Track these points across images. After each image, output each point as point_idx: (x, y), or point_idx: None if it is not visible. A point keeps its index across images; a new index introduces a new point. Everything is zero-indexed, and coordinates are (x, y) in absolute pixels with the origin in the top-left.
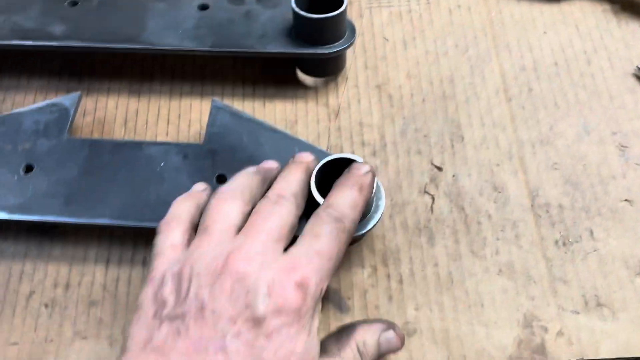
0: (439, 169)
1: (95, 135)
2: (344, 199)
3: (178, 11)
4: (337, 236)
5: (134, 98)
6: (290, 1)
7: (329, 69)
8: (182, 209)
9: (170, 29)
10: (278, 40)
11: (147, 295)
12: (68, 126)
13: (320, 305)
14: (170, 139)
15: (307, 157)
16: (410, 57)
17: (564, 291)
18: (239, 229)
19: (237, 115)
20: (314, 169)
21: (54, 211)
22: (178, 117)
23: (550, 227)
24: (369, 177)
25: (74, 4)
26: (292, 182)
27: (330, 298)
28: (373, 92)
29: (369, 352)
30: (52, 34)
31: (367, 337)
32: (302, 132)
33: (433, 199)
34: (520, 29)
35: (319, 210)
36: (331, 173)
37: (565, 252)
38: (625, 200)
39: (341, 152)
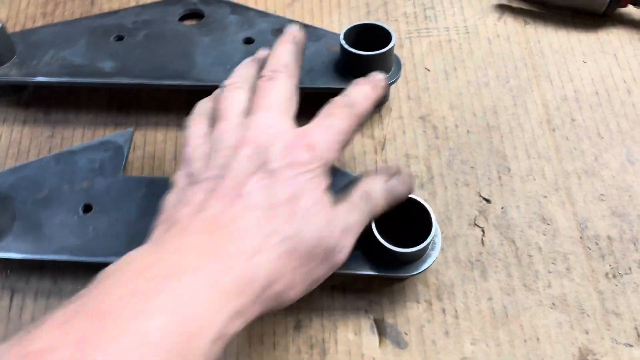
0: (488, 201)
1: (146, 170)
2: (359, 91)
3: (224, 45)
4: (348, 116)
5: (182, 131)
6: (334, 35)
7: None
8: (203, 108)
9: (219, 65)
10: (326, 74)
11: (179, 174)
12: (123, 164)
13: (329, 176)
14: None
15: (293, 29)
16: (452, 87)
17: (617, 324)
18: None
19: None
20: (303, 43)
21: (116, 252)
22: None
23: (600, 260)
24: (383, 81)
25: (120, 38)
26: (281, 55)
27: (387, 334)
28: (417, 123)
29: (374, 197)
30: (102, 70)
31: (373, 185)
32: (349, 165)
33: (483, 231)
34: (559, 59)
35: (336, 97)
36: (394, 213)
37: (616, 285)
38: None
39: None
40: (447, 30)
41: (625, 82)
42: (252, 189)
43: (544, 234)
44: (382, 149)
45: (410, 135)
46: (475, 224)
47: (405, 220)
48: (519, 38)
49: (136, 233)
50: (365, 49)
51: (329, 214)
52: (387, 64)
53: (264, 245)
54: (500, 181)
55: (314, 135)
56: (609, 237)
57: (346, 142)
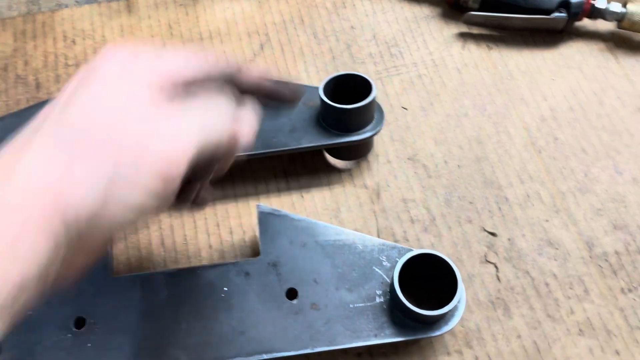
0: (493, 234)
1: (133, 261)
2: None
3: None
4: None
5: (165, 214)
6: (311, 89)
7: (361, 150)
8: None
9: None
10: (309, 132)
11: None
12: (110, 263)
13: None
14: (215, 252)
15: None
16: (432, 123)
17: None
18: None
19: (286, 218)
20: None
21: None
22: (217, 226)
23: (614, 276)
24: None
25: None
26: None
27: None
28: (407, 165)
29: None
30: None
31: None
32: (348, 220)
33: (496, 267)
34: (529, 79)
35: None
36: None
37: (634, 299)
38: None
39: (392, 234)
40: (416, 66)
41: (595, 94)
42: None
43: (555, 259)
44: (378, 198)
45: (402, 179)
46: (487, 261)
47: (426, 277)
48: (486, 64)
49: (140, 339)
50: (344, 98)
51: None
52: (371, 114)
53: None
54: (501, 212)
55: None
56: (616, 252)
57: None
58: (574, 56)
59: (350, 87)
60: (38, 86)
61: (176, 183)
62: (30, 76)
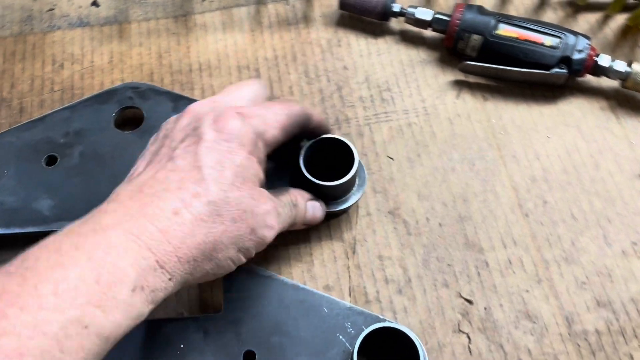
0: (470, 302)
1: None
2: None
3: None
4: (287, 108)
5: None
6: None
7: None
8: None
9: None
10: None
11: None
12: None
13: (265, 160)
14: (181, 297)
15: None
16: (418, 176)
17: None
18: None
19: (253, 273)
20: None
21: None
22: None
23: (592, 357)
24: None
25: (52, 160)
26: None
27: None
28: (387, 219)
29: (299, 206)
30: (40, 214)
31: (300, 199)
32: (320, 275)
33: (469, 337)
34: (523, 135)
35: None
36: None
37: None
38: None
39: (365, 294)
40: (407, 113)
41: (592, 156)
42: (179, 153)
43: (532, 334)
44: (354, 253)
45: (381, 234)
46: (460, 330)
47: (391, 347)
48: (479, 115)
49: None
50: (326, 158)
51: (254, 190)
52: (352, 184)
53: (187, 205)
54: (479, 278)
55: (248, 109)
56: (597, 331)
57: (286, 126)
58: (573, 113)
59: (332, 148)
60: (21, 110)
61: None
62: (15, 100)
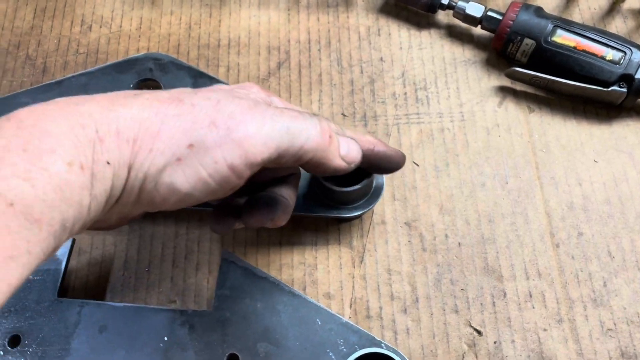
0: (479, 332)
1: (91, 280)
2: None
3: None
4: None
5: (134, 234)
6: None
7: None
8: None
9: None
10: (302, 203)
11: None
12: (59, 283)
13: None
14: (174, 287)
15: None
16: (443, 187)
17: None
18: None
19: (250, 273)
20: None
21: None
22: (184, 258)
23: None
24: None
25: None
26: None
27: None
28: (402, 230)
29: (323, 124)
30: None
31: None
32: (322, 281)
33: None
34: (567, 157)
35: None
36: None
37: None
38: None
39: (366, 308)
40: (441, 117)
41: None
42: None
43: None
44: (361, 262)
45: (393, 246)
46: None
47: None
48: (521, 129)
49: None
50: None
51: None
52: (368, 189)
53: (149, 94)
54: (494, 308)
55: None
56: None
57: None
58: (627, 137)
59: None
60: (44, 70)
61: (243, 176)
62: (39, 58)
